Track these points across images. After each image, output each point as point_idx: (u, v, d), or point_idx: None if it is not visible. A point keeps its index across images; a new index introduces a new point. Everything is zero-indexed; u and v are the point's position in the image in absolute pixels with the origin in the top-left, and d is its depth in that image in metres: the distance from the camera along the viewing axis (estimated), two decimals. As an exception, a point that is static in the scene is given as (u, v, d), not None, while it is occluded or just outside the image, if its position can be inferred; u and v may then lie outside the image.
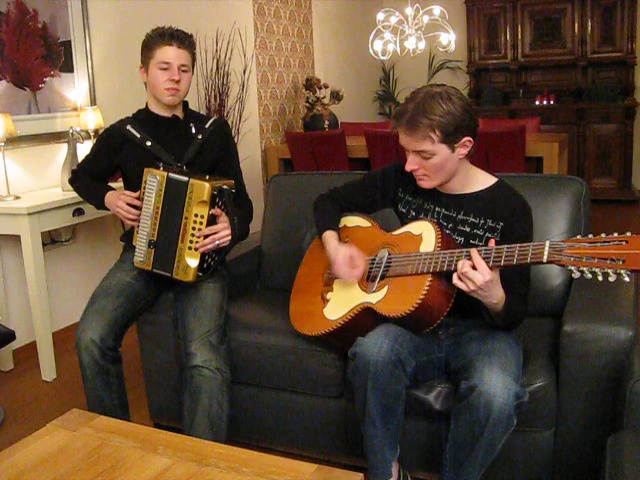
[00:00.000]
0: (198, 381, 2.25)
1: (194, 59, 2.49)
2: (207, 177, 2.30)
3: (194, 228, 2.27)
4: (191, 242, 2.28)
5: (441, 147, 1.92)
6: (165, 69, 2.39)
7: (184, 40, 2.41)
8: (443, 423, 2.02)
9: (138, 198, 2.36)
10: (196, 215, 2.26)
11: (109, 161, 2.55)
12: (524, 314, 2.00)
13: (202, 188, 2.24)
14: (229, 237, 2.32)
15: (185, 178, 2.26)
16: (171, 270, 2.31)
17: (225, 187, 2.32)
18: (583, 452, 2.00)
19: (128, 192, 2.40)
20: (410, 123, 1.91)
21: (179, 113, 2.53)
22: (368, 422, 1.94)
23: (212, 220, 2.29)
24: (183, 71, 2.41)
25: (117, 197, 2.40)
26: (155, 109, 2.51)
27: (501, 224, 1.99)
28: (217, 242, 2.30)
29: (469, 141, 1.95)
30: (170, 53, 2.38)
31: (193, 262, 2.28)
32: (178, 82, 2.40)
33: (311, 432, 2.38)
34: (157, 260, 2.33)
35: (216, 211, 2.29)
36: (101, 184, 2.57)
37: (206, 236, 2.28)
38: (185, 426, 2.27)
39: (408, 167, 2.00)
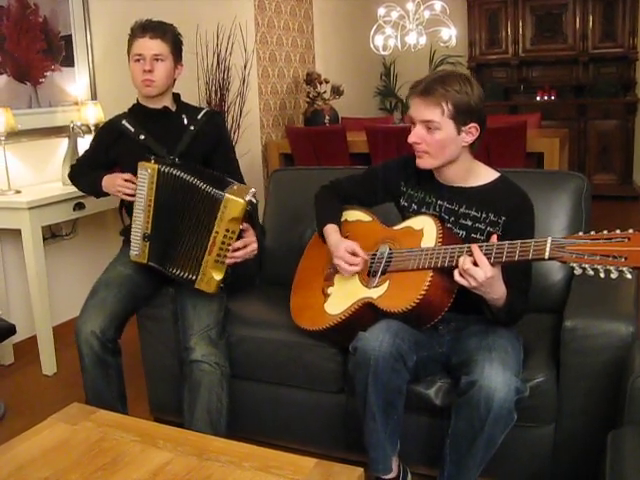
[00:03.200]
0: (198, 376, 2.26)
1: (176, 48, 2.48)
2: (235, 187, 2.27)
3: (223, 242, 2.24)
4: (219, 256, 2.26)
5: (449, 123, 1.92)
6: (138, 60, 2.41)
7: (157, 30, 2.42)
8: (443, 418, 2.02)
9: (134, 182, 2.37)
10: (227, 230, 2.23)
11: (106, 156, 2.57)
12: (525, 310, 1.99)
13: (237, 205, 2.21)
14: (256, 250, 2.31)
15: (221, 194, 2.21)
16: (194, 280, 2.29)
17: (253, 200, 2.28)
18: (583, 448, 2.00)
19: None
20: (425, 89, 1.93)
21: (169, 104, 2.53)
22: (369, 417, 1.94)
23: (240, 234, 2.28)
24: (158, 60, 2.42)
25: (115, 176, 2.44)
26: (144, 102, 2.53)
27: (503, 218, 1.99)
28: (246, 256, 2.29)
29: (475, 128, 1.96)
30: (142, 44, 2.41)
31: (218, 276, 2.28)
32: (150, 72, 2.40)
33: (311, 427, 2.38)
34: (153, 254, 2.33)
35: (245, 226, 2.28)
36: (98, 172, 2.57)
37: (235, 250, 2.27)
38: (185, 421, 2.27)
39: (411, 138, 1.98)
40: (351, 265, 2.07)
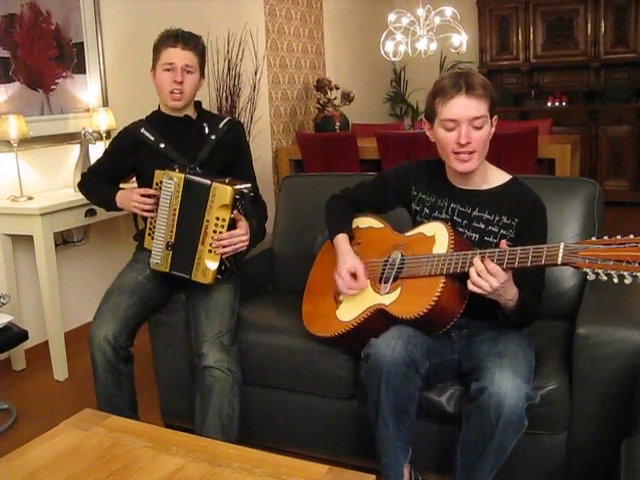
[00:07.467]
0: (209, 382, 2.25)
1: (203, 61, 2.48)
2: (227, 180, 2.30)
3: (215, 231, 2.27)
4: (211, 245, 2.28)
5: (488, 116, 1.93)
6: (169, 70, 2.40)
7: (189, 41, 2.41)
8: (455, 425, 2.01)
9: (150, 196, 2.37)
10: (217, 218, 2.27)
11: (122, 164, 2.56)
12: (538, 311, 1.99)
13: (225, 192, 2.24)
14: (247, 242, 2.33)
15: (207, 181, 2.26)
16: (190, 272, 2.32)
17: (245, 190, 2.31)
18: (596, 456, 1.99)
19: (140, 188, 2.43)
20: (470, 86, 1.90)
21: (191, 113, 2.53)
22: (381, 423, 1.93)
23: (232, 223, 2.29)
24: (188, 72, 2.41)
25: (130, 192, 2.42)
26: (166, 110, 2.52)
27: (516, 221, 1.99)
28: (236, 247, 2.30)
29: (496, 120, 1.98)
30: (174, 54, 2.39)
31: (213, 265, 2.29)
32: (181, 84, 2.39)
33: (322, 433, 2.37)
34: (175, 262, 2.34)
35: (237, 215, 2.29)
36: (111, 186, 2.57)
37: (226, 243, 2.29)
38: (196, 427, 2.27)
39: (464, 139, 1.90)
40: (350, 290, 2.08)
